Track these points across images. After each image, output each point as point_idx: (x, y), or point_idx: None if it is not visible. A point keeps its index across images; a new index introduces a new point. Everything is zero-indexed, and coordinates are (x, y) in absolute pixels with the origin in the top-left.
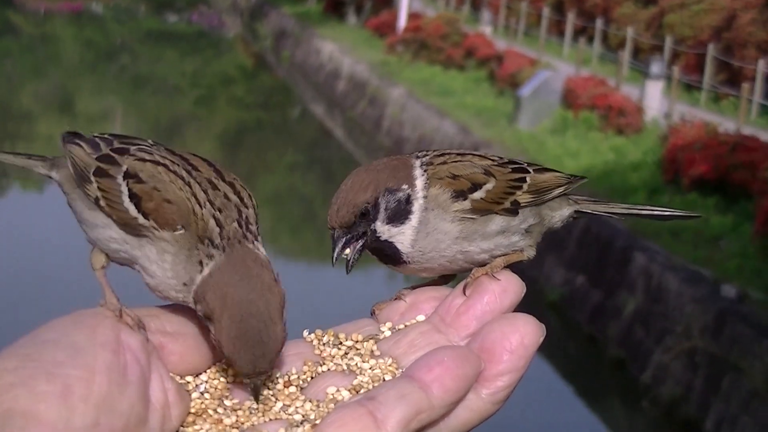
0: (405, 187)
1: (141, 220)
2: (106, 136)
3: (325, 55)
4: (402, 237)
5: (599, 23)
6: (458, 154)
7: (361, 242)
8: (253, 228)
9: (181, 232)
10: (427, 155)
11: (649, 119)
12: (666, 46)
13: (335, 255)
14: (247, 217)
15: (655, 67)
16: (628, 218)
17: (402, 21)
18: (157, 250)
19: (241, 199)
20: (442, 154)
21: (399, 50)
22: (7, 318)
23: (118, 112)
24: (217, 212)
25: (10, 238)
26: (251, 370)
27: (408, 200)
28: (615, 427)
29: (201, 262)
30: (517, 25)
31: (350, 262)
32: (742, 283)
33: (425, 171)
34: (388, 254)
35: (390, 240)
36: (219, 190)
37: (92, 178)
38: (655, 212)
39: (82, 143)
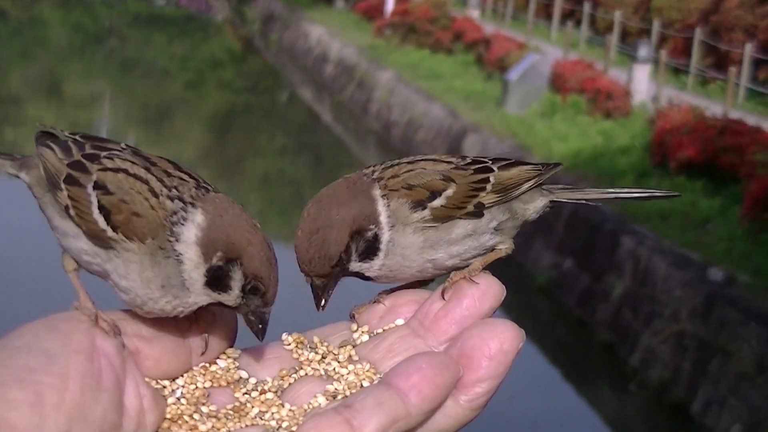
0: (372, 227)
1: (110, 233)
2: (78, 138)
3: (313, 38)
4: (370, 267)
5: (587, 7)
6: (409, 163)
7: (335, 283)
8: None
9: (150, 241)
10: (376, 170)
11: (636, 103)
12: (654, 30)
13: (321, 304)
14: (205, 186)
15: (643, 51)
16: (605, 202)
17: (390, 5)
18: (123, 263)
19: (197, 180)
20: (391, 166)
21: (387, 34)
22: None
23: (107, 96)
24: (174, 190)
25: None
26: (275, 295)
27: (376, 238)
28: (603, 410)
29: (170, 236)
30: (505, 8)
31: (326, 302)
32: (730, 266)
33: (383, 194)
34: (357, 276)
35: (360, 271)
36: (174, 176)
37: (63, 186)
38: (633, 194)
39: (54, 147)
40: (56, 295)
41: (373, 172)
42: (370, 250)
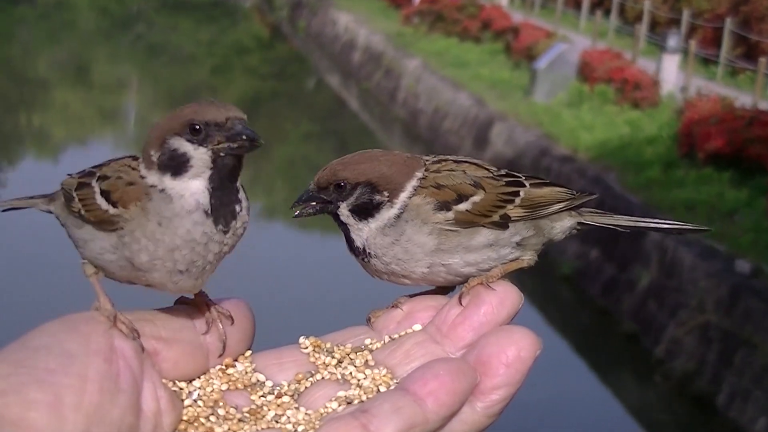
0: (385, 194)
1: (111, 210)
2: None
3: (341, 25)
4: (358, 231)
5: None
6: (454, 161)
7: (321, 206)
8: None
9: (140, 203)
10: (428, 160)
11: (665, 93)
12: (683, 20)
13: (295, 202)
14: None
15: (672, 41)
16: (635, 230)
17: None
18: (132, 237)
19: None
20: (439, 161)
21: (415, 21)
22: None
23: (134, 81)
24: None
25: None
26: (218, 114)
27: (378, 206)
28: (627, 400)
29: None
30: None
31: (300, 214)
32: (756, 257)
33: (422, 176)
34: (349, 244)
35: (347, 226)
36: None
37: (74, 194)
38: (662, 225)
39: (73, 174)
40: (74, 293)
41: (427, 160)
42: (365, 210)
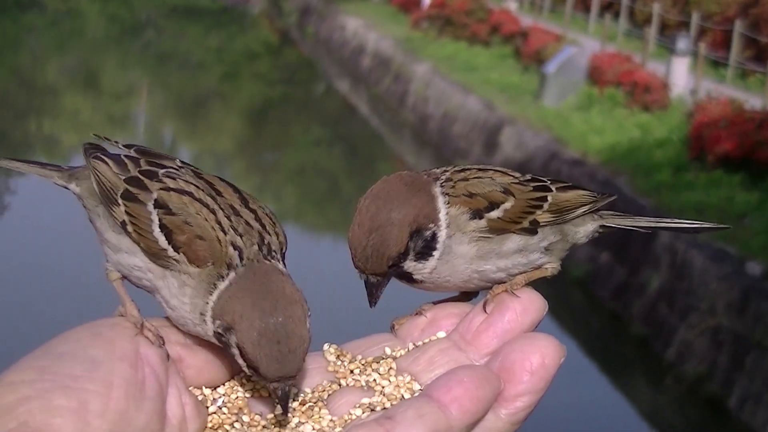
0: (431, 225)
1: (171, 252)
2: (132, 153)
3: (349, 31)
4: (424, 269)
5: None
6: (479, 170)
7: (388, 281)
8: (276, 254)
9: (209, 267)
10: (447, 171)
11: (674, 96)
12: (692, 23)
13: (375, 302)
14: (269, 243)
15: (682, 44)
16: (656, 230)
17: None
18: (179, 283)
19: (264, 226)
20: (463, 170)
21: (424, 26)
22: (19, 321)
23: (143, 88)
24: (239, 238)
25: (22, 235)
26: (276, 373)
27: (434, 237)
28: (638, 403)
29: (214, 285)
30: (543, 1)
31: (377, 299)
32: (766, 260)
33: (445, 193)
34: (406, 278)
35: (412, 272)
36: (241, 216)
37: (120, 201)
38: (683, 225)
39: (107, 160)
40: (97, 299)
41: (444, 172)
42: (427, 249)
